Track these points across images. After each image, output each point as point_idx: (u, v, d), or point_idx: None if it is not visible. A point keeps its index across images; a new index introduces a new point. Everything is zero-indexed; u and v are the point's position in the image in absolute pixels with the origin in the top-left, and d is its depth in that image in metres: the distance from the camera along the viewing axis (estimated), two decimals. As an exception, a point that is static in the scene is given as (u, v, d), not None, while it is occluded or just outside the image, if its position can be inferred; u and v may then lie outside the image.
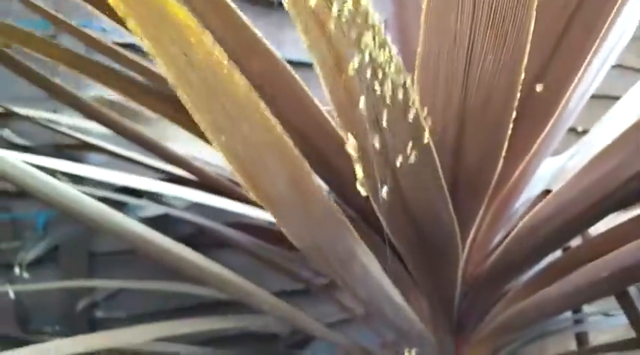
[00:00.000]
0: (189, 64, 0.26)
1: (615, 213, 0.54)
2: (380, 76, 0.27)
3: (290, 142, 0.30)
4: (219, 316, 0.71)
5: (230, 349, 0.89)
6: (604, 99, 0.86)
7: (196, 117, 0.29)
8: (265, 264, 0.79)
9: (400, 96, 0.27)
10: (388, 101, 0.27)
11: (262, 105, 0.29)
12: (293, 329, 0.95)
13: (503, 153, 0.39)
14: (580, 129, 1.09)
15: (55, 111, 0.79)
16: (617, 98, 0.82)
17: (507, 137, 0.37)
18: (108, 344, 0.61)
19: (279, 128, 0.29)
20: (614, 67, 0.67)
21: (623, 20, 0.62)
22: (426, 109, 0.30)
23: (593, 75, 0.63)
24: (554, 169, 0.73)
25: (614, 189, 0.38)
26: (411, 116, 0.29)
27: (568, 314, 0.75)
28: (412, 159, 0.31)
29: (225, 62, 0.25)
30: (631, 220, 0.46)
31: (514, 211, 0.65)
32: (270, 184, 0.33)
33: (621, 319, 0.68)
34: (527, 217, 0.45)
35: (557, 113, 0.56)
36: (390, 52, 0.26)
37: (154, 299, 0.89)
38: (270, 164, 0.31)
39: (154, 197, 0.80)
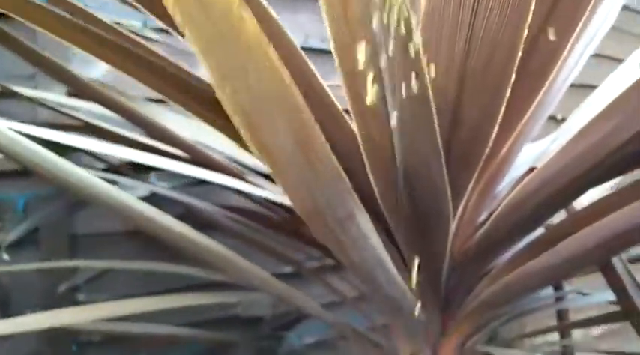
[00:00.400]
0: (199, 3, 0.26)
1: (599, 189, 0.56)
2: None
3: (298, 95, 0.30)
4: (203, 292, 0.70)
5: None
6: (583, 88, 0.89)
7: (203, 63, 0.29)
8: (255, 246, 0.80)
9: (403, 29, 0.27)
10: (393, 32, 0.28)
11: (273, 53, 0.28)
12: (277, 312, 0.96)
13: (499, 119, 0.40)
14: (559, 117, 1.11)
15: (35, 88, 0.78)
16: (595, 87, 0.85)
17: (505, 101, 0.38)
18: (83, 319, 0.60)
19: (287, 79, 0.29)
20: (593, 56, 0.69)
21: (604, 8, 0.64)
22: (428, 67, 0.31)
23: (575, 58, 0.65)
24: (537, 153, 0.75)
25: (604, 157, 0.40)
26: (411, 50, 0.29)
27: (548, 292, 0.77)
28: (411, 99, 0.31)
29: (237, 3, 0.25)
30: (614, 193, 0.48)
31: (499, 190, 0.66)
32: (274, 139, 0.32)
33: (597, 297, 0.71)
34: (518, 187, 0.47)
35: (542, 93, 0.58)
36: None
37: (137, 281, 0.88)
38: (276, 117, 0.31)
39: (140, 177, 0.79)
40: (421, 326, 0.64)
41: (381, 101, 0.36)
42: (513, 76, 0.38)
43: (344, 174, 0.37)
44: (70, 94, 0.74)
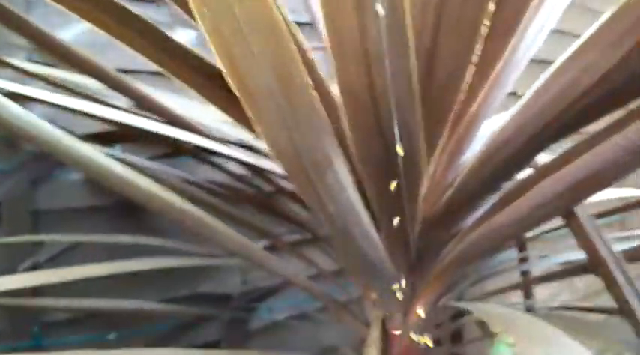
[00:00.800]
0: None
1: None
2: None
3: (284, 27, 0.30)
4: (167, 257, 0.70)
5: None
6: (543, 64, 0.92)
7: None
8: (227, 219, 0.79)
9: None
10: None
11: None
12: (244, 289, 0.96)
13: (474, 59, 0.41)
14: (520, 93, 1.15)
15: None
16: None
17: (479, 37, 0.39)
18: (44, 281, 0.59)
19: (274, 9, 0.29)
20: (554, 32, 0.72)
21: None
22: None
23: (535, 31, 0.68)
24: (498, 125, 0.78)
25: (563, 109, 0.42)
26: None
27: (512, 255, 0.80)
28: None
29: None
30: (576, 145, 0.50)
31: (463, 159, 0.68)
32: (253, 72, 0.32)
33: (559, 259, 0.74)
34: (485, 144, 0.48)
35: (505, 56, 0.60)
36: None
37: (102, 259, 0.86)
38: (257, 49, 0.31)
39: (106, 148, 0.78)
40: (391, 288, 0.65)
41: (364, 47, 0.36)
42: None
43: (325, 116, 0.37)
44: (32, 61, 0.72)
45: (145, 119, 0.54)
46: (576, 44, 0.45)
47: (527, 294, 0.80)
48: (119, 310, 0.77)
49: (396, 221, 0.60)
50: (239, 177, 0.81)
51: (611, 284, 0.52)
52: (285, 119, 0.36)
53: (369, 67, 0.37)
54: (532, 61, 0.70)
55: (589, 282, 1.84)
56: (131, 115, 0.52)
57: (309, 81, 0.34)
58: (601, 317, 0.64)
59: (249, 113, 0.36)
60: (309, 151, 0.39)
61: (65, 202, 0.84)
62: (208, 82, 0.53)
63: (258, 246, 0.60)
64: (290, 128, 0.37)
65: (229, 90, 0.37)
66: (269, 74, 0.33)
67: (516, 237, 0.77)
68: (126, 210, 0.87)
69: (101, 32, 0.48)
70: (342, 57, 0.37)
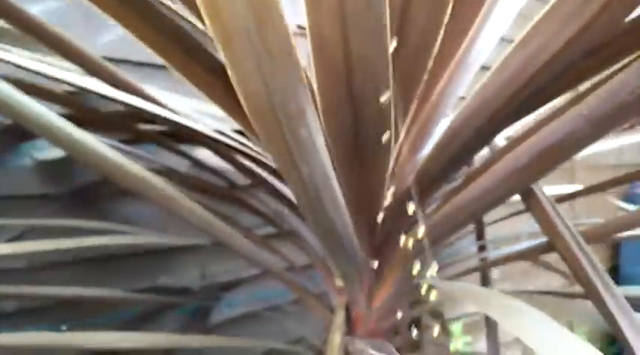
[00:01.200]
0: None
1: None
2: None
3: None
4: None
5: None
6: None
7: None
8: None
9: None
10: None
11: None
12: (204, 283, 0.94)
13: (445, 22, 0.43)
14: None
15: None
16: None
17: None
18: None
19: None
20: (504, 40, 0.76)
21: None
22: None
23: (483, 43, 0.71)
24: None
25: (518, 89, 0.44)
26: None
27: (470, 243, 0.82)
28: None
29: None
30: (534, 122, 0.53)
31: (426, 143, 0.70)
32: (232, 11, 0.32)
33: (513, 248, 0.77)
34: (448, 124, 0.50)
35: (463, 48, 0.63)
36: None
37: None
38: None
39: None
40: (357, 272, 0.66)
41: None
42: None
43: (300, 64, 0.37)
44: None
45: (113, 89, 0.52)
46: (532, 22, 0.47)
47: (485, 282, 0.82)
48: (74, 298, 0.74)
49: (363, 200, 0.61)
50: (204, 166, 0.80)
51: (571, 262, 0.54)
52: (260, 64, 0.35)
53: (346, 25, 0.38)
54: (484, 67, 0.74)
55: (545, 281, 1.89)
56: (95, 82, 0.51)
57: (289, 26, 0.34)
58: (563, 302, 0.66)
59: (225, 57, 0.35)
60: (284, 102, 0.38)
61: (15, 189, 0.80)
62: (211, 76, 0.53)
63: (244, 239, 0.59)
64: (265, 74, 0.36)
65: (230, 87, 0.37)
66: (248, 14, 0.32)
67: (476, 222, 0.80)
68: (81, 199, 0.84)
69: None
70: (317, 11, 0.38)
